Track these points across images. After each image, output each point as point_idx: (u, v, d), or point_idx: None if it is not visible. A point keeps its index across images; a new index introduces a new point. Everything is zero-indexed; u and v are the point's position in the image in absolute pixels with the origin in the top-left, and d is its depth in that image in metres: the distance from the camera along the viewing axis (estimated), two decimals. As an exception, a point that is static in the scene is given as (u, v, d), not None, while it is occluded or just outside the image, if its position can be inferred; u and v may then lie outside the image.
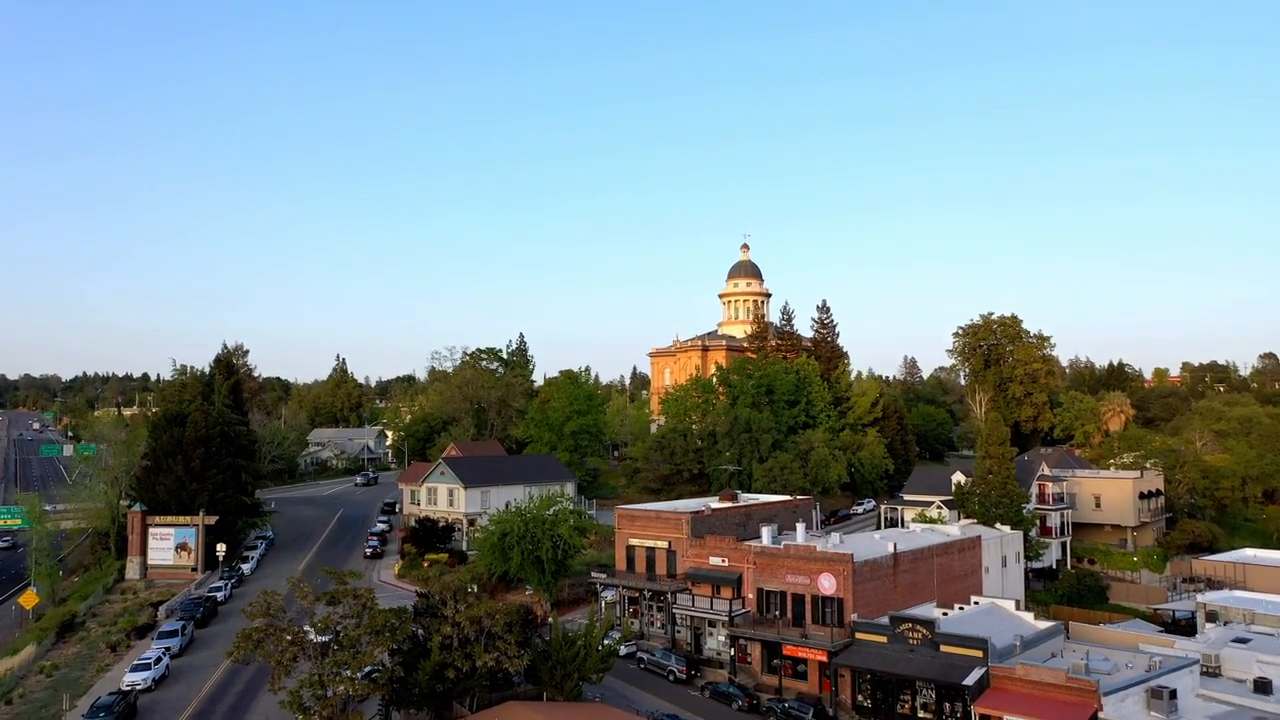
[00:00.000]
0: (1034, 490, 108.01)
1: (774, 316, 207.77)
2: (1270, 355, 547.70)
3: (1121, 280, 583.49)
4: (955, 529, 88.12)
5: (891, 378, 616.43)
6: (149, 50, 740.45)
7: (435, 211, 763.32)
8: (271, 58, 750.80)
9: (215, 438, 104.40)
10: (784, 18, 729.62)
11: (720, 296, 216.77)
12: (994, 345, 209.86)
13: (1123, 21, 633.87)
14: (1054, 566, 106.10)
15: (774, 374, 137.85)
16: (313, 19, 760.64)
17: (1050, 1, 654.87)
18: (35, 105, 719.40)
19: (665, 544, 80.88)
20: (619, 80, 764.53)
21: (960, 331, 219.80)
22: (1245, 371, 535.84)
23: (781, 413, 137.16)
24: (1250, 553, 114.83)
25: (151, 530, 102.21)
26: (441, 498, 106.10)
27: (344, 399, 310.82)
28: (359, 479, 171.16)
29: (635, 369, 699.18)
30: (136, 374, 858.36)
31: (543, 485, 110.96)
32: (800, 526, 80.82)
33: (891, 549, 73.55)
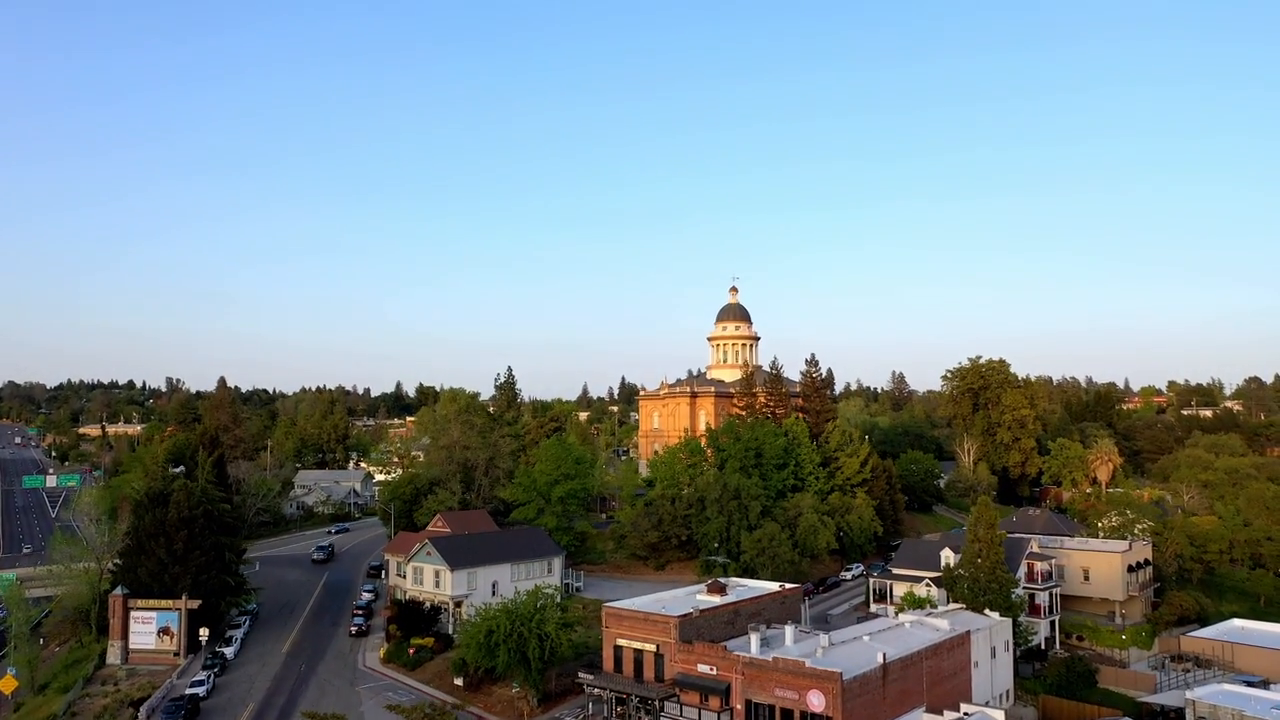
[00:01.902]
0: (1023, 569, 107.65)
1: (763, 358, 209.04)
2: (1255, 379, 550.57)
3: (1112, 291, 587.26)
4: (944, 621, 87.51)
5: (879, 390, 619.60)
6: (148, 48, 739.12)
7: (433, 222, 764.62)
8: (275, 55, 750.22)
9: (198, 518, 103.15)
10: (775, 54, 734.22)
11: (709, 340, 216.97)
12: (983, 389, 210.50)
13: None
14: (1042, 646, 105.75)
15: (763, 437, 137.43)
16: (313, 25, 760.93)
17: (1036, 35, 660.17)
18: (28, 101, 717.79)
19: (653, 647, 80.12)
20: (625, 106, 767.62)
21: (949, 375, 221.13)
22: (1230, 389, 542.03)
23: (770, 476, 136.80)
24: (1238, 624, 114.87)
25: (133, 614, 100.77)
26: (427, 578, 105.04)
27: (330, 431, 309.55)
28: (316, 554, 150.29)
29: (624, 379, 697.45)
30: (122, 380, 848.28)
31: (530, 562, 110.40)
32: (789, 630, 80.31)
33: (881, 660, 72.95)
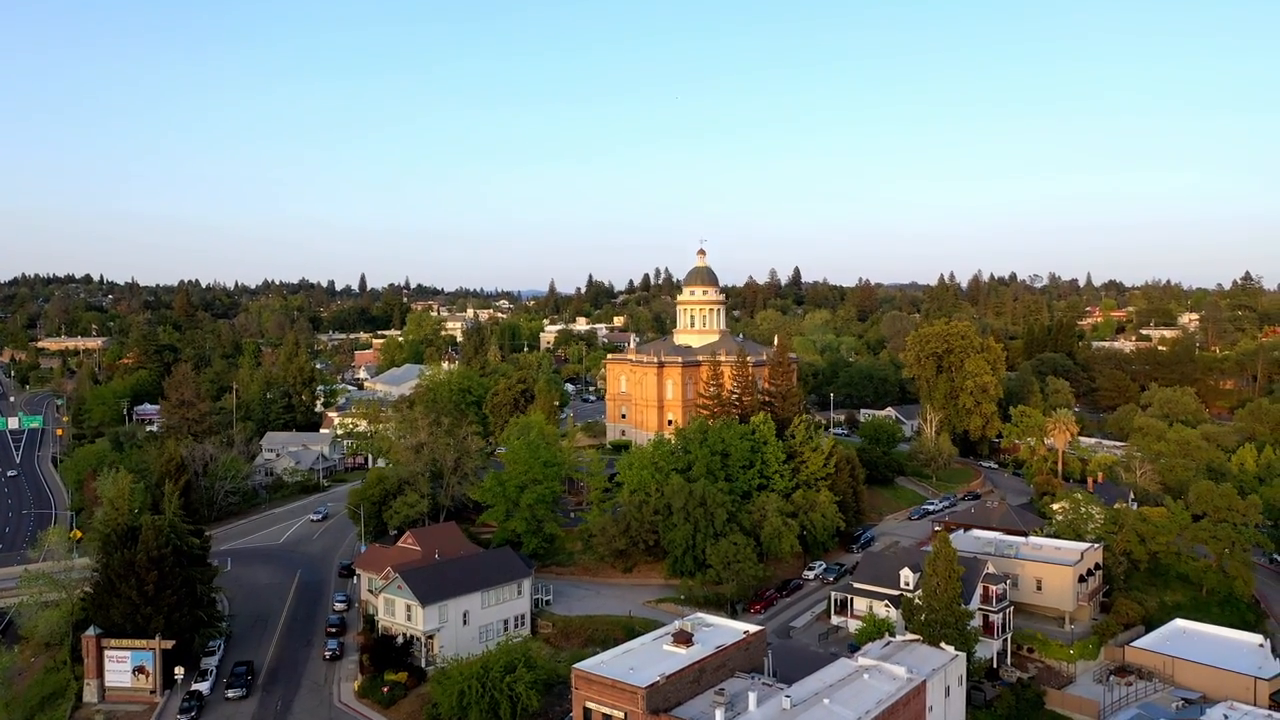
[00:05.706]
0: (978, 593, 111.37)
1: (729, 318, 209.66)
2: (1215, 299, 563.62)
3: (1075, 179, 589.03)
4: (901, 668, 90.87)
5: (845, 288, 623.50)
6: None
7: (396, 99, 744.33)
8: None
9: (168, 557, 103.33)
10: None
11: (678, 304, 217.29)
12: (947, 353, 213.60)
13: None
14: (994, 664, 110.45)
15: (729, 439, 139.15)
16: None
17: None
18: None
19: (621, 715, 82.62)
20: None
21: (914, 339, 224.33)
22: (1189, 285, 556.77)
23: (736, 476, 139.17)
24: (1180, 627, 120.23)
25: (108, 653, 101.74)
26: (399, 611, 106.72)
27: (296, 373, 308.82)
28: (232, 693, 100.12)
29: (591, 277, 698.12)
30: (79, 274, 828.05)
31: (500, 587, 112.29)
32: (751, 694, 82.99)
33: (840, 736, 76.03)
